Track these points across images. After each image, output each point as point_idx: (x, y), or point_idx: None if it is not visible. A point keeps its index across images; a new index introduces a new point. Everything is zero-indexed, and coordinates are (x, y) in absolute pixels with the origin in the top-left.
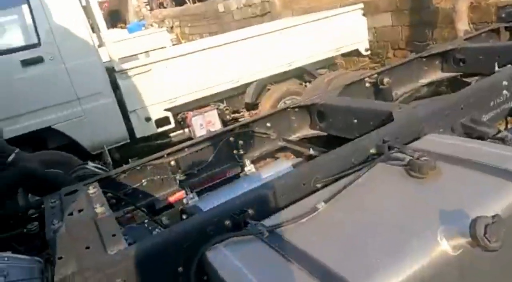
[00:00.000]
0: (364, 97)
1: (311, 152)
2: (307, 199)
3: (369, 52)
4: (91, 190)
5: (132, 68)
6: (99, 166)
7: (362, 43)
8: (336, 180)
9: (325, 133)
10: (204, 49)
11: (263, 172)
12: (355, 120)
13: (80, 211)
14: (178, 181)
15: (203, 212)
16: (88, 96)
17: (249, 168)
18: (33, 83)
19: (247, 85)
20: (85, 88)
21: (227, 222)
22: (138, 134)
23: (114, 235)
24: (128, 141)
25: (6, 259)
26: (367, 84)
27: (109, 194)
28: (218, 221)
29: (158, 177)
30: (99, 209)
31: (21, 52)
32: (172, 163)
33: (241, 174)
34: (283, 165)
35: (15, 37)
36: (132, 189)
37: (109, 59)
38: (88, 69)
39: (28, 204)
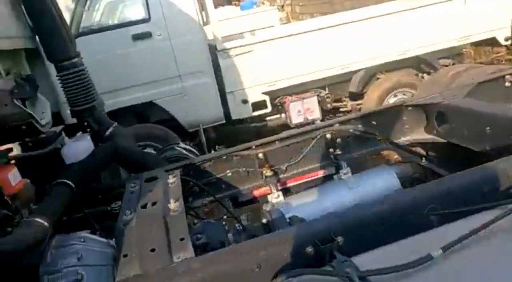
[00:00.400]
0: (503, 101)
1: (423, 162)
2: (417, 238)
3: (509, 41)
4: (171, 179)
5: (234, 48)
6: (189, 147)
7: (502, 31)
8: (460, 216)
9: (444, 141)
10: (310, 31)
11: (361, 178)
12: (488, 130)
13: (154, 203)
14: (264, 176)
15: (281, 231)
16: (189, 74)
17: (345, 171)
18: (140, 58)
19: (354, 72)
20: (187, 65)
21: (309, 249)
22: (234, 116)
23: (182, 239)
24: (224, 121)
25: (82, 240)
26: (507, 84)
27: (191, 183)
28: (297, 246)
29: (244, 169)
30: (172, 205)
31: (133, 26)
32: (260, 155)
33: (335, 176)
34: (386, 173)
35: (129, 12)
36: (216, 179)
37: (212, 38)
38: (192, 47)
39: (114, 183)
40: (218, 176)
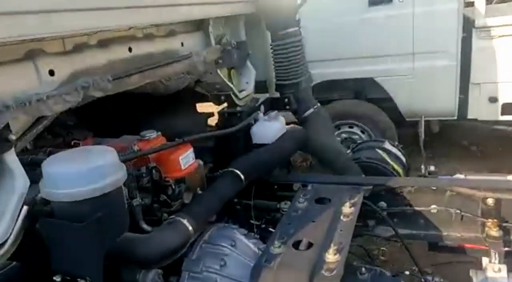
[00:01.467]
0: None
1: None
2: None
3: None
4: (347, 209)
5: (502, 25)
6: (396, 151)
7: None
8: None
9: None
10: None
11: None
12: None
13: (309, 246)
14: (485, 232)
15: None
16: (426, 53)
17: None
18: (372, 27)
19: None
20: (426, 42)
21: None
22: (471, 114)
23: None
24: (455, 118)
25: (233, 243)
26: None
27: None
28: None
29: (458, 211)
30: (331, 255)
31: None
32: (490, 201)
33: None
34: None
35: None
36: (413, 211)
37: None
38: (440, 19)
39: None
40: (418, 208)
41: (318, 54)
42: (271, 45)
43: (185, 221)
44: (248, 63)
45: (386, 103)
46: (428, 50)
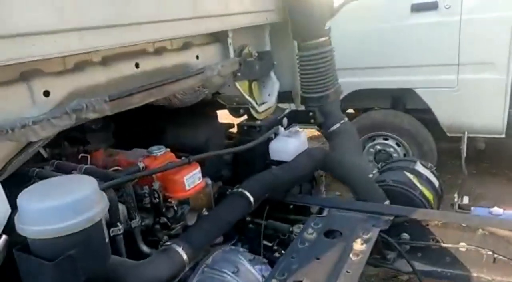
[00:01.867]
0: None
1: None
2: None
3: None
4: (358, 245)
5: None
6: (429, 174)
7: None
8: None
9: None
10: None
11: None
12: None
13: None
14: None
15: None
16: (472, 64)
17: None
18: (413, 35)
19: None
20: (473, 52)
21: None
22: None
23: None
24: (502, 136)
25: (235, 270)
26: None
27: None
28: None
29: (490, 252)
30: None
31: None
32: None
33: None
34: None
35: None
36: (439, 248)
37: None
38: (490, 27)
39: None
40: (446, 244)
41: (355, 62)
42: (297, 55)
43: (180, 249)
44: (272, 74)
45: (426, 115)
46: (475, 61)
